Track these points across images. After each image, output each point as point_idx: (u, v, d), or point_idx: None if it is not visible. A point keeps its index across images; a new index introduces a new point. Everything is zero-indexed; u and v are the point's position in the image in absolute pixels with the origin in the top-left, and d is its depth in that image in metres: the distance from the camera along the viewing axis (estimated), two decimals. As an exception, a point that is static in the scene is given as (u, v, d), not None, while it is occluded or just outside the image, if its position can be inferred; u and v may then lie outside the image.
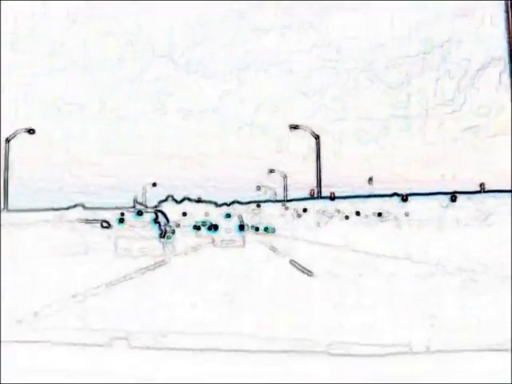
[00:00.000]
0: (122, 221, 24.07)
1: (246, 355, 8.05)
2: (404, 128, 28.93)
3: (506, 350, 8.97)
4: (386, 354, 8.42)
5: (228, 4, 29.73)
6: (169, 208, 34.12)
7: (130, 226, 23.61)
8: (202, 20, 30.09)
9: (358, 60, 29.86)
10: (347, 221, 28.67)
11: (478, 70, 28.44)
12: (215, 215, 32.56)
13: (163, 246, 23.61)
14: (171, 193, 32.86)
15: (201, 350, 8.91)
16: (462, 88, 28.69)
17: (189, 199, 34.24)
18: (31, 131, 29.43)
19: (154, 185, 33.41)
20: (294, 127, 29.46)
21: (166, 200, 34.81)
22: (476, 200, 26.06)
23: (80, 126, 30.72)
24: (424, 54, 28.96)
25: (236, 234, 29.69)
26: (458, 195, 26.64)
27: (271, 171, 31.31)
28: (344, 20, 29.76)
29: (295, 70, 30.36)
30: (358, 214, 28.50)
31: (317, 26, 30.10)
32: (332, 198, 28.79)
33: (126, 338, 9.37)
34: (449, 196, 26.45)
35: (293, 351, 8.64)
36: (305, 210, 30.35)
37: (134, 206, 34.87)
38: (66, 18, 29.43)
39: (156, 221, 24.35)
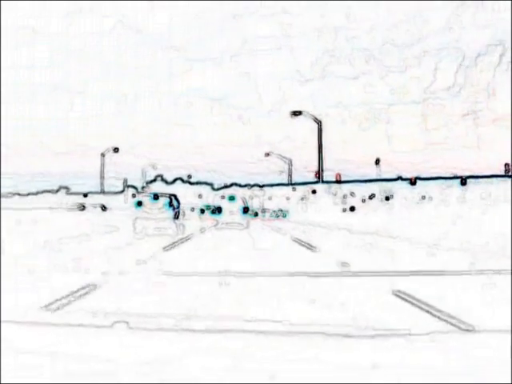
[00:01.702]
0: (139, 204, 26.29)
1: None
2: (405, 112, 29.38)
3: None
4: None
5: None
6: (157, 189, 33.98)
7: (148, 209, 25.77)
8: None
9: (357, 45, 30.10)
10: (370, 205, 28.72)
11: (478, 56, 28.98)
12: (211, 198, 32.55)
13: (176, 227, 25.89)
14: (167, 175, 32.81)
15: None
16: (461, 72, 29.23)
17: (181, 180, 34.09)
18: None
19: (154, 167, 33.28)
20: (297, 113, 29.63)
21: (154, 180, 34.56)
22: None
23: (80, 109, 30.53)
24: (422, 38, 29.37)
25: (240, 217, 29.78)
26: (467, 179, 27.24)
27: (267, 154, 31.43)
28: (343, 5, 29.90)
29: (295, 56, 30.46)
30: (372, 197, 28.83)
31: (316, 11, 30.20)
32: (338, 181, 29.13)
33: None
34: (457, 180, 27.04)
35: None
36: (314, 192, 30.53)
37: (123, 191, 34.67)
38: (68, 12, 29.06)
39: (170, 204, 26.29)
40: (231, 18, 30.31)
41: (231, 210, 30.05)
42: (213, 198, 32.38)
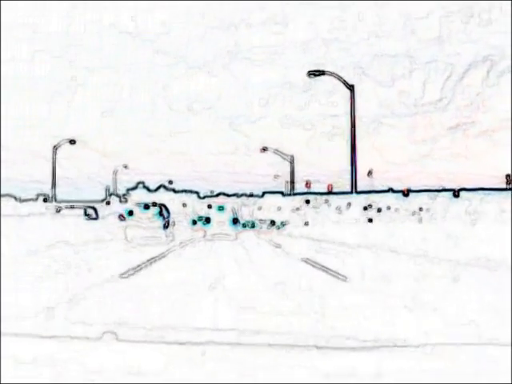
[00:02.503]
0: (131, 213, 27.02)
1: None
2: (393, 125, 29.61)
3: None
4: None
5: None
6: (138, 197, 33.69)
7: (139, 218, 26.56)
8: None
9: (346, 57, 30.27)
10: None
11: (466, 70, 29.36)
12: (197, 208, 32.31)
13: (166, 235, 26.77)
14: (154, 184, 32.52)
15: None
16: (450, 87, 29.59)
17: (165, 187, 33.80)
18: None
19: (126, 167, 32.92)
20: (317, 74, 29.46)
21: (135, 188, 34.18)
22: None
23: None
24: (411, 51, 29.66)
25: (228, 228, 29.42)
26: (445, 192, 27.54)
27: (264, 150, 31.04)
28: (334, 17, 30.05)
29: (286, 65, 30.53)
30: (366, 208, 28.86)
31: (305, 21, 30.30)
32: (330, 191, 29.24)
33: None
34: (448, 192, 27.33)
35: None
36: (307, 202, 30.45)
37: (105, 199, 34.28)
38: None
39: (160, 214, 26.98)
40: (224, 26, 30.30)
41: (220, 221, 29.64)
42: (198, 208, 32.18)
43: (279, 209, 30.72)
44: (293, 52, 30.50)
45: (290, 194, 30.70)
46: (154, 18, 29.73)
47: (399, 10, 29.77)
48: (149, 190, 34.04)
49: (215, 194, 32.10)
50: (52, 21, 28.68)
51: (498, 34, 28.76)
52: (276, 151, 30.53)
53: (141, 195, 33.96)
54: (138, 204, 27.52)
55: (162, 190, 33.93)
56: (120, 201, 33.27)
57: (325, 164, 29.87)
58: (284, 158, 30.61)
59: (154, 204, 27.50)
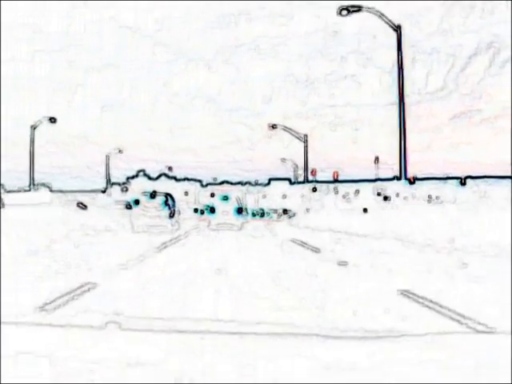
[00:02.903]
0: (137, 202, 27.50)
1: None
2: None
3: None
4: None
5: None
6: (139, 185, 33.66)
7: (145, 207, 27.07)
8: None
9: (350, 47, 30.39)
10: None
11: (469, 58, 29.59)
12: (200, 196, 32.27)
13: (171, 224, 27.19)
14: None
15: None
16: (453, 75, 29.84)
17: (166, 176, 33.75)
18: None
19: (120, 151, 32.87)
20: (273, 127, 29.67)
21: (136, 176, 34.09)
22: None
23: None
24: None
25: (233, 218, 29.20)
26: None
27: (273, 127, 30.87)
28: (335, 6, 30.13)
29: (290, 57, 30.60)
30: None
31: (309, 12, 30.39)
32: (336, 179, 29.38)
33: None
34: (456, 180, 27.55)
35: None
36: (314, 190, 30.31)
37: (105, 190, 34.20)
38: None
39: (166, 203, 27.50)
40: (225, 19, 30.33)
41: (224, 210, 29.40)
42: (201, 196, 32.15)
43: (285, 197, 30.50)
44: (294, 42, 30.58)
45: (304, 182, 30.56)
46: (154, 12, 29.78)
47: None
48: (150, 178, 33.95)
49: (218, 182, 32.09)
50: (52, 20, 28.65)
51: (499, 23, 29.04)
52: (286, 128, 30.37)
53: (142, 184, 33.87)
54: (144, 193, 27.90)
55: (163, 178, 33.86)
56: (122, 190, 33.20)
57: (329, 153, 30.04)
58: (296, 137, 30.40)
59: (159, 193, 27.90)
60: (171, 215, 27.29)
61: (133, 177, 33.96)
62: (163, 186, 33.52)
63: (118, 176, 32.93)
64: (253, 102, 30.64)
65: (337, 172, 29.37)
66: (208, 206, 29.51)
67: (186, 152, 31.39)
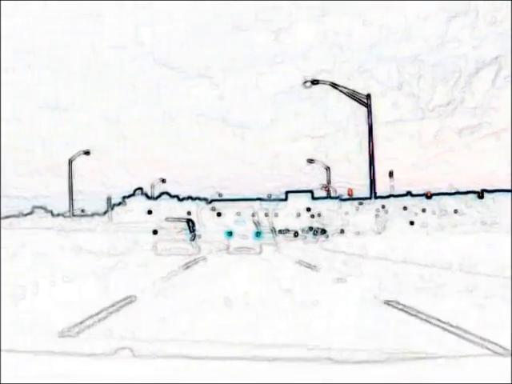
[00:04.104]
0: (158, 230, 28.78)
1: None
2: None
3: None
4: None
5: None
6: (137, 205, 33.16)
7: (168, 232, 28.50)
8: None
9: (353, 61, 30.31)
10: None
11: (476, 71, 29.74)
12: (205, 217, 31.88)
13: (193, 247, 28.41)
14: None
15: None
16: (458, 89, 29.96)
17: (168, 194, 33.17)
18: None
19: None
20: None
21: (133, 195, 33.43)
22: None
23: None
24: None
25: (252, 241, 28.46)
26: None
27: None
28: (340, 22, 30.08)
29: (291, 73, 30.46)
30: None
31: (312, 28, 30.27)
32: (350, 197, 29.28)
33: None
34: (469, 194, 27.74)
35: None
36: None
37: (106, 211, 33.57)
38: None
39: (188, 228, 28.79)
40: (227, 35, 30.12)
41: (243, 234, 28.74)
42: (205, 217, 31.83)
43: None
44: (297, 58, 30.44)
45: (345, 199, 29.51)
46: (154, 29, 29.51)
47: (407, 12, 29.98)
48: (148, 197, 33.31)
49: (224, 198, 31.70)
50: (51, 39, 28.31)
51: (504, 35, 29.25)
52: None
53: (139, 203, 33.25)
54: (168, 219, 29.20)
55: (164, 196, 33.25)
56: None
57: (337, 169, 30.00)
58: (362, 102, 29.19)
59: (182, 219, 29.39)
60: (192, 239, 28.49)
61: (129, 196, 33.24)
62: (163, 205, 32.97)
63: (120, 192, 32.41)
64: (256, 118, 30.52)
65: (351, 189, 29.26)
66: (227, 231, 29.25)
67: (187, 168, 31.05)
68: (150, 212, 32.95)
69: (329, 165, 29.75)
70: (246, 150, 30.58)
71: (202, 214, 32.34)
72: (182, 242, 28.08)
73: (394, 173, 28.71)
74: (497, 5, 29.45)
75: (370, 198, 27.41)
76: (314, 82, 29.25)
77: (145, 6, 29.04)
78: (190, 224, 29.02)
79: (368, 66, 30.38)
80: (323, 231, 28.61)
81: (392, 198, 28.49)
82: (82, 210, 32.90)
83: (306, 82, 28.73)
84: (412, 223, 27.71)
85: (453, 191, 27.98)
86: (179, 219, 29.08)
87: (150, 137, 30.75)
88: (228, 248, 28.56)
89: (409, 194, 28.85)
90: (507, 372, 6.29)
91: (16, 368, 6.85)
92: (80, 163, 30.98)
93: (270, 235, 29.71)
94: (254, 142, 30.73)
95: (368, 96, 28.68)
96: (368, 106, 28.65)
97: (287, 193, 29.95)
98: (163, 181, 32.68)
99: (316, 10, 30.21)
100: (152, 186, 33.08)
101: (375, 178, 28.00)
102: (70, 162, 31.44)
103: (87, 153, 30.75)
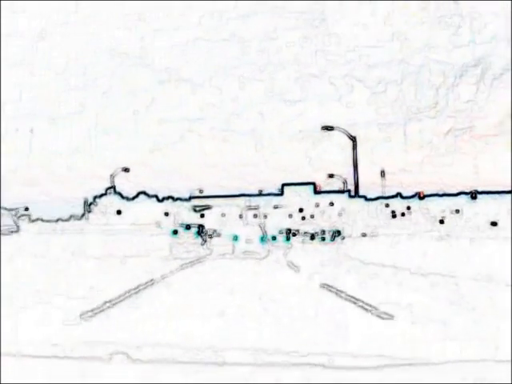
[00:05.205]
0: (175, 232, 31.38)
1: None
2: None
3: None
4: None
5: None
6: (108, 206, 32.35)
7: (181, 236, 31.19)
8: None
9: (338, 65, 30.22)
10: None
11: (459, 75, 29.89)
12: (186, 217, 31.36)
13: (203, 251, 30.68)
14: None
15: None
16: (442, 93, 30.04)
17: (146, 194, 32.17)
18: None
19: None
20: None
21: (104, 194, 32.37)
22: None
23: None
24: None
25: (258, 246, 28.24)
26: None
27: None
28: (324, 25, 30.01)
29: (276, 77, 30.35)
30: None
31: (297, 33, 30.21)
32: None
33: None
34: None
35: None
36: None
37: (83, 214, 32.51)
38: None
39: (198, 233, 31.08)
40: (212, 40, 30.01)
41: (248, 238, 28.82)
42: (186, 217, 31.29)
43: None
44: (282, 62, 30.33)
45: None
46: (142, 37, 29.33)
47: (390, 15, 29.98)
48: (122, 196, 32.26)
49: (207, 195, 31.15)
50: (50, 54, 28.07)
51: (489, 37, 29.50)
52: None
53: (112, 204, 32.22)
54: (181, 225, 31.27)
55: (141, 196, 32.19)
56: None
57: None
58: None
59: (193, 225, 31.28)
60: (203, 243, 30.76)
61: (100, 195, 32.10)
62: (140, 206, 32.04)
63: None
64: (240, 123, 30.33)
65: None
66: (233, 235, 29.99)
67: (174, 174, 30.62)
68: (119, 212, 32.11)
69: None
70: (228, 156, 30.33)
71: (181, 216, 31.85)
72: (194, 245, 30.76)
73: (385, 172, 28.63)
74: (481, 8, 29.68)
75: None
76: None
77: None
78: (200, 229, 31.00)
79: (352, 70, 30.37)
80: (338, 233, 26.07)
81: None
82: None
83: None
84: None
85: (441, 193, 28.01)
86: (191, 226, 31.16)
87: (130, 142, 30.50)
88: (233, 251, 29.42)
89: (399, 195, 28.77)
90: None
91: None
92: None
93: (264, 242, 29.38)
94: (238, 147, 30.51)
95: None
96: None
97: (283, 185, 27.23)
98: (126, 170, 31.43)
99: (305, 15, 30.13)
100: (112, 176, 31.79)
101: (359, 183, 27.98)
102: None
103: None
